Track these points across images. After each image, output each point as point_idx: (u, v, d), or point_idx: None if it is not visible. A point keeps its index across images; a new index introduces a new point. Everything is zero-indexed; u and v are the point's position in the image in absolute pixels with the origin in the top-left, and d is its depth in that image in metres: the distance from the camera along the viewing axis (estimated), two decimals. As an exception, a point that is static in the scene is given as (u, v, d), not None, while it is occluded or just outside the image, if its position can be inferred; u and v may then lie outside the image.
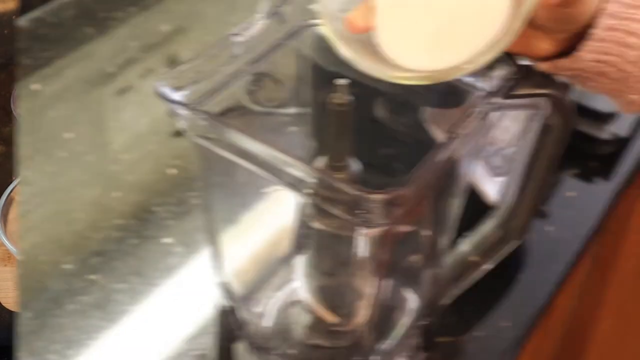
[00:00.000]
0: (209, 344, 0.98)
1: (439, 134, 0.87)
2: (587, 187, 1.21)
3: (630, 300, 1.62)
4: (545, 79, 0.73)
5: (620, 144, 1.28)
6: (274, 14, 0.76)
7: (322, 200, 0.64)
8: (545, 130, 0.77)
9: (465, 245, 0.91)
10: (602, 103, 1.27)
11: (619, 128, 1.26)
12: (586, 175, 1.23)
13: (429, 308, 0.92)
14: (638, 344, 1.71)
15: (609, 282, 1.61)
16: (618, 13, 0.67)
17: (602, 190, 1.21)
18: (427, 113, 0.65)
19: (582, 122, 1.26)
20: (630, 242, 1.53)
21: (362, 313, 0.81)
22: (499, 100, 0.69)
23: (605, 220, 1.19)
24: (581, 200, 1.19)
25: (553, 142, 0.78)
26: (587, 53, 0.69)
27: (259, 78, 0.85)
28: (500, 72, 0.69)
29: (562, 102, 0.73)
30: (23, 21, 1.44)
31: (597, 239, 1.32)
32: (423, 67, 0.67)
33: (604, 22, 0.67)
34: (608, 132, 1.25)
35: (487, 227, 0.89)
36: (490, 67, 0.69)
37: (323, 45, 0.75)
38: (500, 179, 1.01)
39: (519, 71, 0.69)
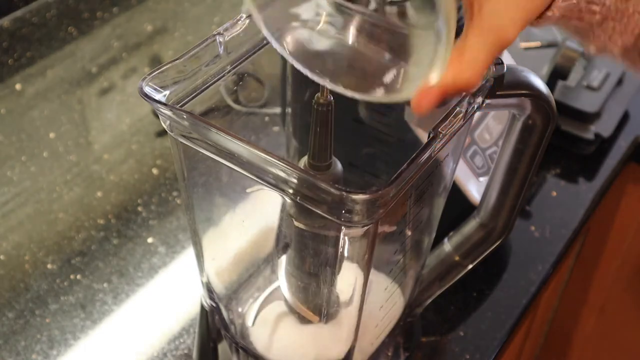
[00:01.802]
0: (192, 343, 0.98)
1: (421, 134, 0.87)
2: (571, 187, 1.22)
3: (613, 300, 1.63)
4: (527, 79, 0.73)
5: (604, 144, 1.28)
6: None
7: (304, 200, 0.64)
8: (528, 129, 0.77)
9: (448, 245, 0.91)
10: (585, 103, 1.27)
11: (602, 128, 1.27)
12: (569, 175, 1.23)
13: (412, 308, 0.93)
14: (620, 343, 1.71)
15: (592, 281, 1.62)
16: None
17: (585, 190, 1.21)
18: (410, 113, 0.65)
19: (566, 122, 1.26)
20: (613, 242, 1.54)
21: (345, 313, 0.81)
22: (481, 99, 0.69)
23: (589, 220, 1.20)
24: (564, 200, 1.19)
25: (536, 142, 0.78)
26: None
27: (242, 78, 0.85)
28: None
29: (545, 101, 0.74)
30: (6, 21, 1.43)
31: (580, 239, 1.33)
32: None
33: None
34: (591, 132, 1.26)
35: (469, 227, 0.89)
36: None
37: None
38: (483, 179, 1.01)
39: (500, 71, 0.69)
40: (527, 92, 0.72)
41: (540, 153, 0.79)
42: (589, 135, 1.26)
